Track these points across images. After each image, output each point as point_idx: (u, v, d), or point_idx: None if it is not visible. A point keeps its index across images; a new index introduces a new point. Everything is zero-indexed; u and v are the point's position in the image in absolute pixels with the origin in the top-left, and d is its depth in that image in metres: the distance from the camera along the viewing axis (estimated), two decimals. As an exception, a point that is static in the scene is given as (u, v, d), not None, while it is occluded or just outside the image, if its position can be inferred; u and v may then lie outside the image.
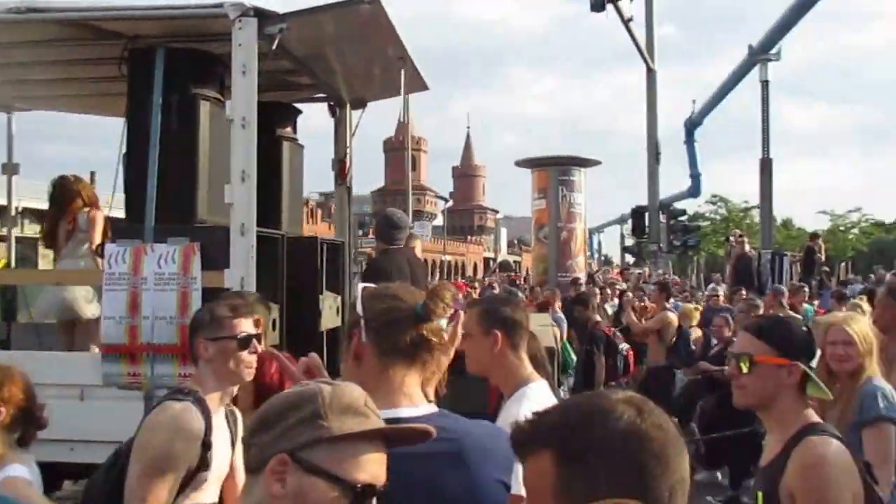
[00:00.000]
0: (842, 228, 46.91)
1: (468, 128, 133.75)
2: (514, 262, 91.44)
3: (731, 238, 16.11)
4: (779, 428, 2.32)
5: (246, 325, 2.62)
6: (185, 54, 4.70)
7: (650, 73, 18.72)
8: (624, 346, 7.96)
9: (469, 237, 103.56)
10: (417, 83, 6.16)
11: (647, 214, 18.39)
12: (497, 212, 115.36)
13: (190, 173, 4.56)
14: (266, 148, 5.44)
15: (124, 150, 4.84)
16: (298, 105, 6.55)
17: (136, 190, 4.60)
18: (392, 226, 5.29)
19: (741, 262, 13.97)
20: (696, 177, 21.77)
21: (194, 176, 4.57)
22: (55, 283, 5.40)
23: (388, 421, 1.63)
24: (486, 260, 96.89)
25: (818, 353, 2.56)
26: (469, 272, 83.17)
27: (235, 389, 2.71)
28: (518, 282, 22.93)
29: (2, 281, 6.43)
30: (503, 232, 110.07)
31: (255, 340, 2.63)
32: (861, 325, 3.46)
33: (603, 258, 49.68)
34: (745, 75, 18.24)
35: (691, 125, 22.28)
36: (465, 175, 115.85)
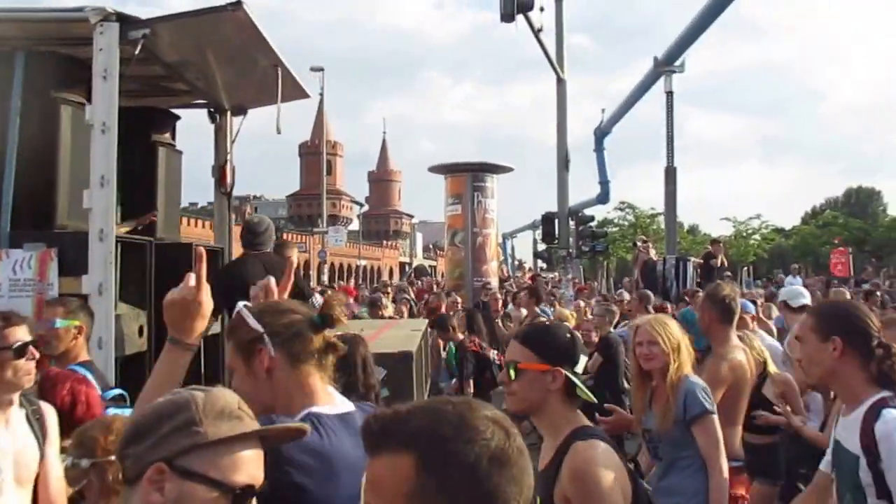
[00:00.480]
0: (744, 234, 48.78)
1: (384, 133, 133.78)
2: (430, 266, 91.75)
3: (638, 243, 16.56)
4: (551, 433, 2.39)
5: (20, 334, 2.67)
6: (47, 58, 4.62)
7: (560, 82, 19.09)
8: (493, 353, 7.98)
9: (385, 242, 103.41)
10: (297, 91, 6.21)
11: (556, 220, 18.74)
12: (413, 217, 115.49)
13: (49, 178, 4.47)
14: (140, 153, 5.67)
15: None
16: (178, 111, 6.53)
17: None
18: (250, 231, 5.34)
19: (646, 267, 14.38)
20: (605, 184, 22.27)
21: (54, 181, 4.48)
22: None
23: (309, 416, 1.83)
24: (402, 264, 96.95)
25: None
26: (385, 276, 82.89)
27: (15, 397, 2.70)
28: (434, 286, 22.98)
29: None
30: (419, 237, 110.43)
31: (31, 347, 2.68)
32: (666, 325, 3.64)
33: (517, 263, 50.34)
34: (650, 86, 18.78)
35: (601, 133, 22.80)
36: (381, 180, 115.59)
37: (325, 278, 41.87)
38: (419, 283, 26.03)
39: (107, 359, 4.06)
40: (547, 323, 5.03)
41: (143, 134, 5.78)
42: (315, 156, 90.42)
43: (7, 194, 4.44)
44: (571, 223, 18.79)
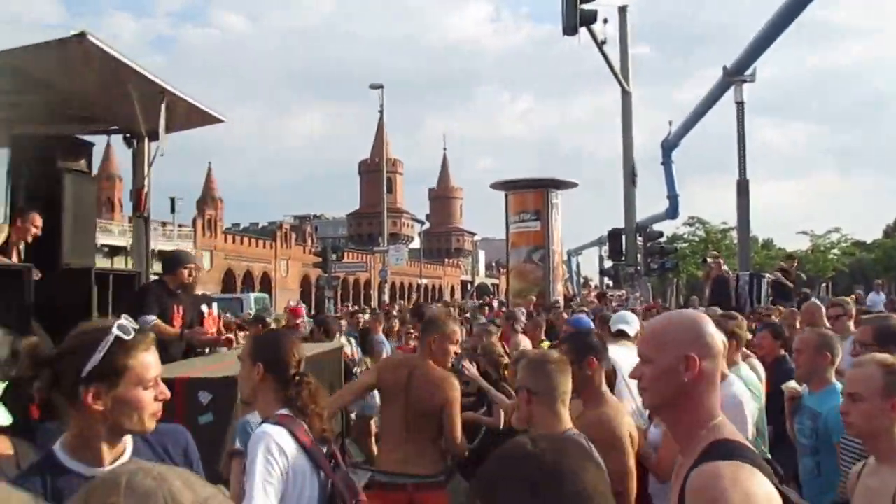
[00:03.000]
0: (822, 249, 47.08)
1: (444, 150, 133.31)
2: (493, 284, 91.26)
3: (708, 259, 15.90)
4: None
5: None
6: None
7: (625, 94, 18.60)
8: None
9: (446, 260, 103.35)
10: (203, 116, 6.49)
11: (623, 236, 18.19)
12: (475, 234, 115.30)
13: None
14: (46, 180, 5.92)
15: None
16: (92, 137, 6.68)
17: None
18: (167, 259, 5.93)
19: (717, 283, 13.76)
20: (673, 198, 21.52)
21: None
22: None
23: None
24: (464, 283, 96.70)
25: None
26: (446, 295, 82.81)
27: None
28: (493, 305, 22.57)
29: None
30: (481, 254, 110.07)
31: None
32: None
33: (582, 280, 49.56)
34: (720, 96, 18.07)
35: (668, 146, 22.10)
36: (442, 197, 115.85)
37: (386, 298, 41.81)
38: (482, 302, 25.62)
39: None
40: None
41: (48, 161, 5.99)
42: (375, 173, 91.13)
43: None
44: (639, 239, 18.20)
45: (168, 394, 1.96)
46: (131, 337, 1.89)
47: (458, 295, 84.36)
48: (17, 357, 4.60)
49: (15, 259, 5.63)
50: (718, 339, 1.88)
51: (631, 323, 5.61)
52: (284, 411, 2.76)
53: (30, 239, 5.69)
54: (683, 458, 1.82)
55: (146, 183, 6.77)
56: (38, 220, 5.68)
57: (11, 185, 6.09)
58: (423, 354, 4.27)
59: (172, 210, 59.01)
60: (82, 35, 4.59)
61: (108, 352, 1.85)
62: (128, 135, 6.79)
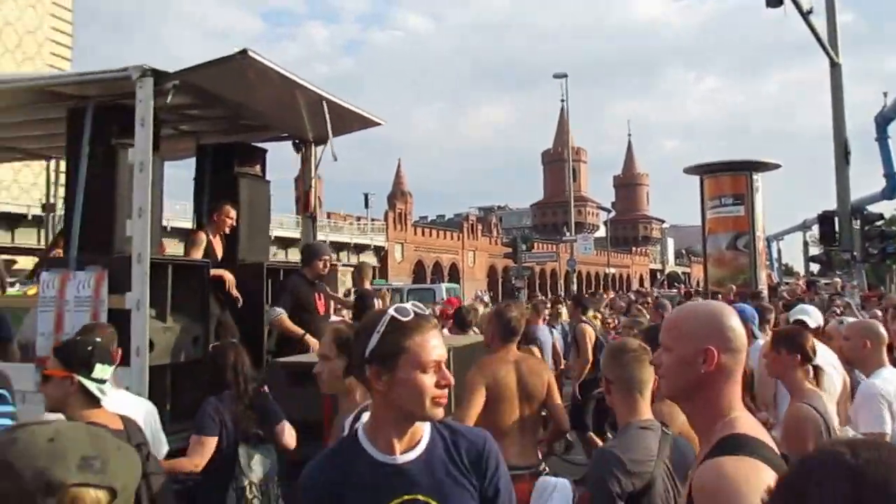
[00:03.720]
0: None
1: (629, 135, 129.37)
2: (683, 273, 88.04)
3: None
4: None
5: None
6: (111, 109, 5.28)
7: (834, 67, 17.21)
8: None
9: (633, 248, 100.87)
10: (362, 121, 6.84)
11: (836, 220, 16.84)
12: (663, 221, 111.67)
13: (109, 210, 5.20)
14: (224, 184, 6.62)
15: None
16: (266, 144, 7.22)
17: (68, 225, 5.39)
18: (305, 252, 6.41)
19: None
20: (891, 176, 19.63)
21: (113, 213, 5.19)
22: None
23: None
24: (653, 272, 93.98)
25: None
26: (634, 285, 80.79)
27: None
28: (690, 294, 21.68)
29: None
30: (670, 242, 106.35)
31: None
32: None
33: (783, 268, 46.56)
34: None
35: (883, 120, 20.16)
36: (628, 184, 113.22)
37: (574, 288, 41.41)
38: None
39: (142, 366, 4.62)
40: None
41: (227, 167, 6.67)
42: (558, 163, 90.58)
43: (75, 225, 5.24)
44: (855, 223, 16.75)
45: (451, 380, 1.89)
46: (409, 318, 1.87)
47: (646, 284, 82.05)
48: (197, 343, 5.04)
49: (220, 253, 6.33)
50: (740, 333, 1.83)
51: (811, 315, 5.41)
52: None
53: (227, 230, 6.37)
54: (700, 450, 1.82)
55: (313, 185, 7.31)
56: (232, 212, 6.33)
57: (197, 190, 6.88)
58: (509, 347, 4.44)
59: (366, 205, 61.83)
60: (244, 52, 5.01)
61: (386, 332, 1.85)
62: (296, 141, 7.29)
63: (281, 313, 5.84)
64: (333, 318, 6.80)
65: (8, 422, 3.11)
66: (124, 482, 1.15)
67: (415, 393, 1.83)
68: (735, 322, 1.84)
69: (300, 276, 6.21)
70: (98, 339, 3.11)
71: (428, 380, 1.84)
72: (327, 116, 6.04)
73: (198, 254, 6.10)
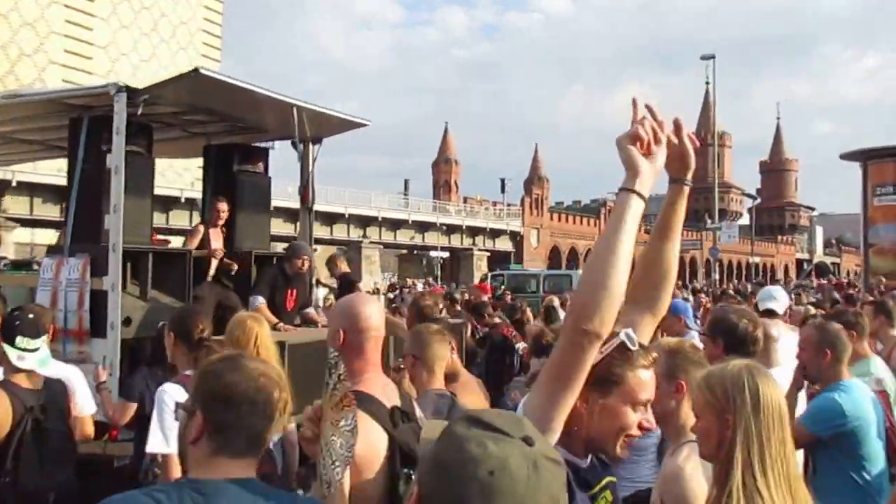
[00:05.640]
0: None
1: (777, 119, 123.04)
2: (832, 263, 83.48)
3: None
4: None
5: None
6: (101, 120, 5.99)
7: None
8: (520, 345, 7.95)
9: (779, 237, 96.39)
10: (343, 124, 7.83)
11: None
12: (812, 209, 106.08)
13: (95, 207, 6.04)
14: (225, 181, 7.52)
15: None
16: (266, 144, 8.12)
17: (66, 218, 6.38)
18: (288, 248, 7.01)
19: None
20: None
21: (98, 209, 6.00)
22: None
23: None
24: (799, 262, 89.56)
25: None
26: (779, 275, 77.25)
27: None
28: (841, 288, 20.70)
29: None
30: (818, 231, 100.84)
31: None
32: None
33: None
34: None
35: None
36: (775, 170, 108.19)
37: (716, 276, 40.19)
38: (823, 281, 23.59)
39: (116, 338, 5.44)
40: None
41: (226, 166, 7.54)
42: (702, 148, 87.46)
43: (70, 218, 6.21)
44: None
45: (654, 425, 1.82)
46: (635, 350, 1.75)
47: (791, 274, 78.28)
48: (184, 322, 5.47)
49: (219, 243, 7.15)
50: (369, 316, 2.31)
51: (779, 299, 5.48)
52: (189, 372, 3.31)
53: (220, 222, 7.19)
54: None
55: (311, 179, 8.07)
56: (221, 205, 7.17)
57: (204, 187, 7.90)
58: None
59: (502, 190, 62.10)
60: (196, 70, 5.98)
61: (610, 356, 1.72)
62: (294, 140, 7.92)
63: (262, 302, 6.30)
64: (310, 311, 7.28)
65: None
66: None
67: (615, 427, 1.75)
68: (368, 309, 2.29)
69: (279, 270, 6.76)
70: (30, 316, 3.75)
71: (633, 418, 1.76)
72: (296, 121, 6.87)
73: (193, 243, 7.06)
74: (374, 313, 2.33)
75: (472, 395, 3.74)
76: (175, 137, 7.76)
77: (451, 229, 56.53)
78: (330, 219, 47.76)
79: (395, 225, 53.03)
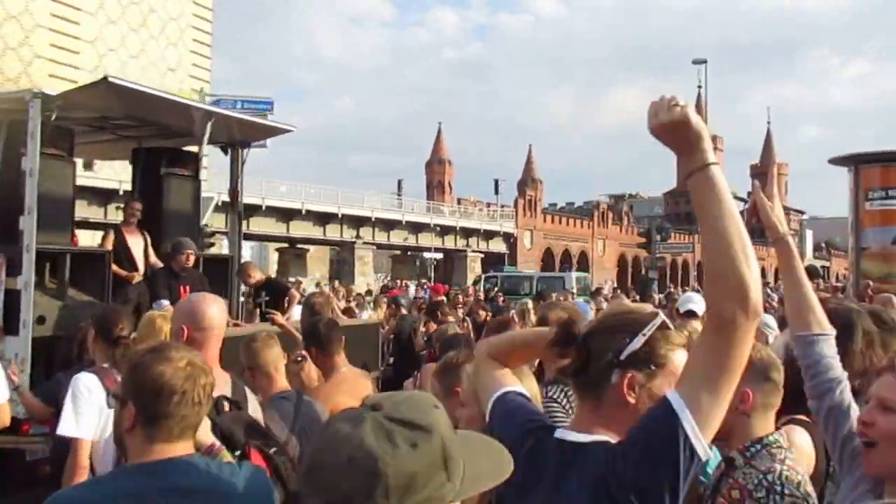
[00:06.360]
0: None
1: (768, 123, 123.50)
2: (822, 267, 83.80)
3: None
4: None
5: None
6: (20, 124, 6.12)
7: None
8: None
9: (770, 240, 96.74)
10: (269, 129, 8.86)
11: None
12: (802, 213, 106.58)
13: (12, 209, 6.02)
14: (151, 183, 7.89)
15: None
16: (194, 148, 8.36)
17: None
18: (171, 246, 6.95)
19: None
20: None
21: (14, 211, 5.98)
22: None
23: None
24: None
25: None
26: (769, 278, 77.55)
27: None
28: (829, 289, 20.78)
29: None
30: (808, 234, 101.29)
31: None
32: None
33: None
34: None
35: None
36: (765, 173, 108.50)
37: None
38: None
39: (27, 336, 5.57)
40: None
41: (154, 169, 7.89)
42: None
43: None
44: None
45: None
46: (673, 330, 1.64)
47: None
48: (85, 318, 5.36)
49: (140, 243, 7.45)
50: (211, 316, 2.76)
51: (699, 303, 5.64)
52: (105, 365, 3.59)
53: (133, 220, 7.47)
54: None
55: (239, 182, 8.47)
56: (135, 204, 7.51)
57: (132, 189, 8.30)
58: None
59: (496, 192, 62.27)
60: (105, 79, 6.17)
61: (652, 337, 1.59)
62: (223, 145, 8.40)
63: (167, 304, 6.29)
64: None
65: None
66: None
67: None
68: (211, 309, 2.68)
69: (168, 270, 6.92)
70: None
71: None
72: (208, 129, 7.19)
73: (107, 244, 7.39)
74: (216, 313, 2.71)
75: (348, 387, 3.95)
76: (105, 140, 8.02)
77: (444, 230, 56.56)
78: (323, 219, 47.72)
79: (388, 225, 53.02)
